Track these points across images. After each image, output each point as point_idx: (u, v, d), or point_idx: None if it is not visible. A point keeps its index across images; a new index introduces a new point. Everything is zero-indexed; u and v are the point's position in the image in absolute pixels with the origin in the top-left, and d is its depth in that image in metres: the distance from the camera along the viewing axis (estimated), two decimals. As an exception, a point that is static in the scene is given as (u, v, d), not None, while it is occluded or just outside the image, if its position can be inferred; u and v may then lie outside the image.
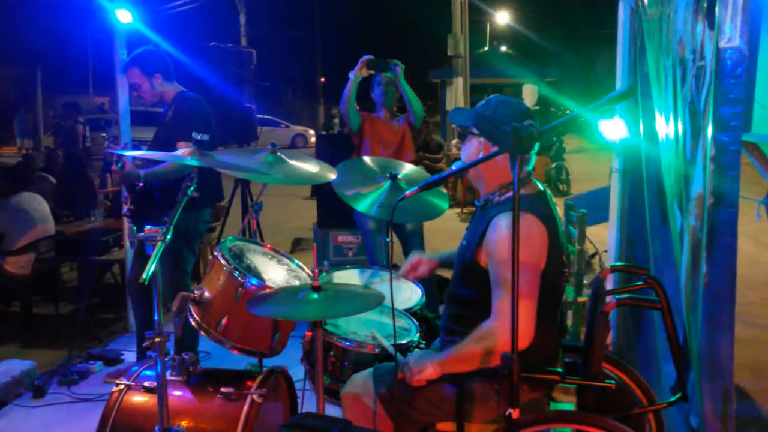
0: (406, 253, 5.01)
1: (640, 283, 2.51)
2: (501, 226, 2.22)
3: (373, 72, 4.72)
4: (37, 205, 5.51)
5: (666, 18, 3.10)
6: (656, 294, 2.43)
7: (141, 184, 3.79)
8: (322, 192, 6.23)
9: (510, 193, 2.32)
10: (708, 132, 2.14)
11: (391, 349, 2.49)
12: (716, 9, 2.02)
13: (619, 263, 4.11)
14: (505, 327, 2.11)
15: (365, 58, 4.63)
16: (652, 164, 3.60)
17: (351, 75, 4.64)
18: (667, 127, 3.05)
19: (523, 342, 2.11)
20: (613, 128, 3.45)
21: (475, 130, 2.39)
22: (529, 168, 2.39)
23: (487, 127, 2.35)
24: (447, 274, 2.77)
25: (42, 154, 12.40)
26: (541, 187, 2.41)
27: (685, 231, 2.48)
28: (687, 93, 2.54)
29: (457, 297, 2.43)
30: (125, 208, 3.93)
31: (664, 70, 3.17)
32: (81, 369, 4.34)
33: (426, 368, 2.23)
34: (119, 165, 3.73)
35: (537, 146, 2.14)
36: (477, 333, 2.18)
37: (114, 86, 5.07)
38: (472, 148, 2.41)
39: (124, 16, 4.87)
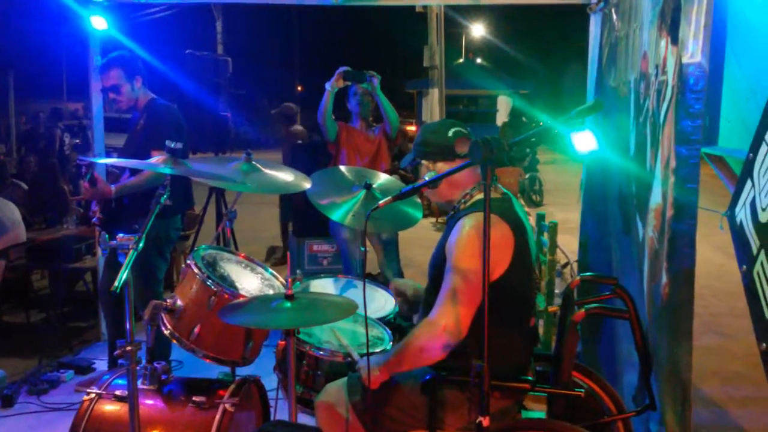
0: (380, 262, 5.03)
1: (608, 293, 2.55)
2: (463, 226, 2.28)
3: (349, 83, 4.75)
4: (9, 211, 5.42)
5: (632, 33, 3.18)
6: (624, 303, 2.47)
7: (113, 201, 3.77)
8: (297, 201, 6.23)
9: (474, 198, 2.41)
10: (666, 145, 2.20)
11: (359, 360, 2.50)
12: (680, 26, 2.08)
13: (588, 273, 4.17)
14: (436, 322, 2.20)
15: (342, 69, 4.66)
16: (614, 175, 3.68)
17: (327, 86, 4.67)
18: (629, 140, 3.12)
19: (451, 338, 2.18)
20: (584, 141, 3.50)
21: (418, 160, 2.52)
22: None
23: (423, 149, 2.49)
24: (420, 281, 2.80)
25: (14, 160, 12.24)
26: (506, 192, 2.46)
27: (645, 241, 2.53)
28: (648, 106, 2.60)
29: (430, 304, 2.46)
30: (95, 217, 3.89)
31: (627, 84, 3.23)
32: (51, 378, 4.28)
33: (373, 371, 2.28)
34: (88, 177, 3.68)
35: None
36: (413, 330, 2.26)
37: (89, 93, 5.03)
38: (422, 171, 2.52)
39: (99, 23, 4.84)
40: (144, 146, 3.86)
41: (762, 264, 1.65)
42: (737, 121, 2.43)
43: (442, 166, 2.44)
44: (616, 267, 3.64)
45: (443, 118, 15.52)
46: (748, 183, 1.79)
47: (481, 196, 2.37)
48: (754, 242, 1.72)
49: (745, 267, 1.76)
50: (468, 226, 2.26)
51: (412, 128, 19.35)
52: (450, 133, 2.45)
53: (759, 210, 1.70)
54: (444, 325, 2.18)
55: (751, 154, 1.79)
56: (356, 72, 4.69)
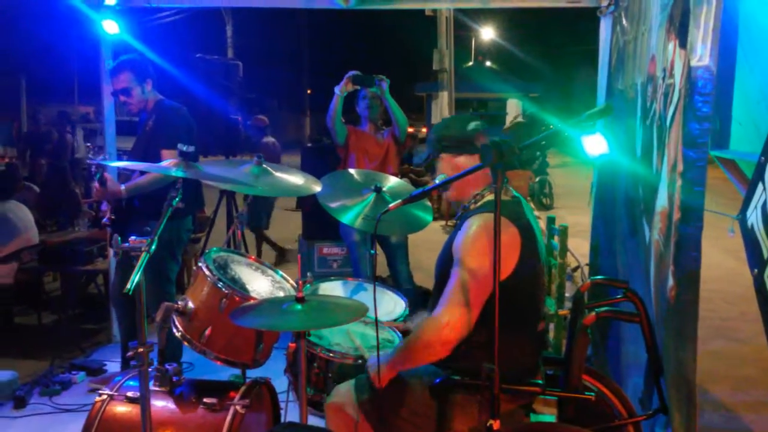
0: (390, 265, 5.03)
1: (619, 296, 2.55)
2: (471, 225, 2.28)
3: (358, 87, 4.77)
4: (22, 214, 5.47)
5: (641, 37, 3.18)
6: (635, 307, 2.47)
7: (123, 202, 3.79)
8: (307, 203, 6.25)
9: (485, 199, 2.42)
10: (672, 148, 2.19)
11: (369, 358, 2.51)
12: (689, 29, 2.08)
13: (599, 277, 4.17)
14: (439, 319, 2.21)
15: (351, 73, 4.68)
16: (622, 178, 3.68)
17: (337, 90, 4.69)
18: (635, 143, 3.12)
19: (454, 335, 2.20)
20: (595, 144, 3.51)
21: (436, 154, 2.52)
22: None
23: (443, 144, 2.49)
24: (429, 284, 2.80)
25: (26, 164, 12.32)
26: (516, 195, 2.47)
27: (651, 244, 2.53)
28: (655, 109, 2.60)
29: (436, 302, 2.47)
30: (105, 218, 3.91)
31: (635, 87, 3.23)
32: (63, 379, 4.31)
33: (380, 369, 2.29)
34: (97, 176, 3.70)
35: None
36: (417, 327, 2.29)
37: (100, 96, 5.07)
38: (442, 165, 2.51)
39: (110, 27, 4.87)
40: (153, 147, 3.89)
41: (773, 267, 1.65)
42: (749, 124, 2.43)
43: (464, 160, 2.44)
44: (622, 270, 3.63)
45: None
46: (760, 186, 1.79)
47: (492, 197, 2.37)
48: (765, 246, 1.71)
49: (756, 270, 1.76)
50: (475, 225, 2.27)
51: (424, 130, 19.36)
52: (470, 127, 2.47)
53: (770, 214, 1.70)
54: (447, 321, 2.20)
55: (762, 158, 1.78)
56: (365, 76, 4.70)
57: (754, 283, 1.78)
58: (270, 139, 8.74)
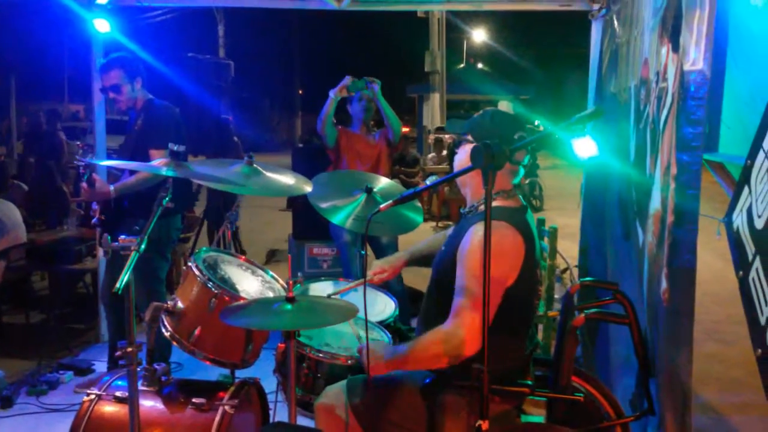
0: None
1: (608, 298, 2.56)
2: (476, 233, 2.25)
3: (352, 93, 4.79)
4: (9, 212, 5.42)
5: (633, 40, 3.19)
6: (624, 309, 2.48)
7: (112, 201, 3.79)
8: (297, 204, 6.25)
9: (495, 203, 2.32)
10: (666, 151, 2.21)
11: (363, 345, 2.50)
12: (681, 33, 2.09)
13: (588, 278, 4.19)
14: (454, 333, 2.17)
15: (347, 79, 4.69)
16: (614, 181, 3.70)
17: (331, 93, 4.69)
18: (629, 146, 3.13)
19: (470, 350, 2.16)
20: (585, 146, 3.53)
21: (469, 137, 2.43)
22: (516, 181, 2.44)
23: (482, 134, 2.36)
24: (419, 285, 2.81)
25: (15, 162, 12.24)
26: (524, 203, 2.46)
27: (645, 247, 2.54)
28: (649, 113, 2.61)
29: (432, 308, 2.46)
30: (95, 218, 3.91)
31: (628, 91, 3.25)
32: (50, 379, 4.29)
33: (378, 361, 2.27)
34: (85, 177, 3.69)
35: (527, 160, 2.35)
36: (428, 335, 2.24)
37: (91, 95, 5.05)
38: (464, 155, 2.43)
39: (102, 26, 4.86)
40: (142, 146, 3.88)
41: (757, 270, 1.66)
42: (738, 128, 2.44)
43: None
44: (612, 272, 3.65)
45: (444, 123, 15.53)
46: (746, 190, 1.80)
47: (501, 203, 2.34)
48: (750, 248, 1.73)
49: (741, 273, 1.77)
50: (481, 233, 2.23)
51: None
52: (516, 136, 2.33)
53: (755, 217, 1.71)
54: (463, 337, 2.15)
55: (748, 161, 1.80)
56: (356, 80, 4.72)
57: (739, 286, 1.79)
58: (234, 139, 8.78)
